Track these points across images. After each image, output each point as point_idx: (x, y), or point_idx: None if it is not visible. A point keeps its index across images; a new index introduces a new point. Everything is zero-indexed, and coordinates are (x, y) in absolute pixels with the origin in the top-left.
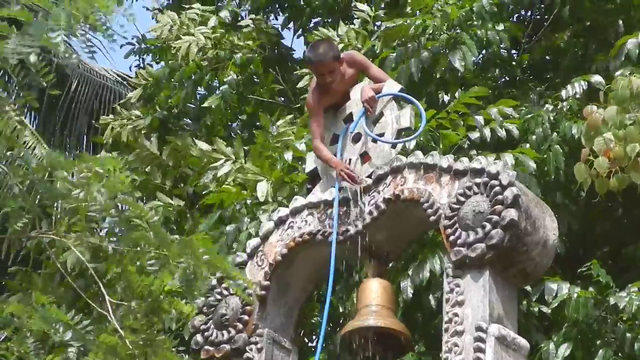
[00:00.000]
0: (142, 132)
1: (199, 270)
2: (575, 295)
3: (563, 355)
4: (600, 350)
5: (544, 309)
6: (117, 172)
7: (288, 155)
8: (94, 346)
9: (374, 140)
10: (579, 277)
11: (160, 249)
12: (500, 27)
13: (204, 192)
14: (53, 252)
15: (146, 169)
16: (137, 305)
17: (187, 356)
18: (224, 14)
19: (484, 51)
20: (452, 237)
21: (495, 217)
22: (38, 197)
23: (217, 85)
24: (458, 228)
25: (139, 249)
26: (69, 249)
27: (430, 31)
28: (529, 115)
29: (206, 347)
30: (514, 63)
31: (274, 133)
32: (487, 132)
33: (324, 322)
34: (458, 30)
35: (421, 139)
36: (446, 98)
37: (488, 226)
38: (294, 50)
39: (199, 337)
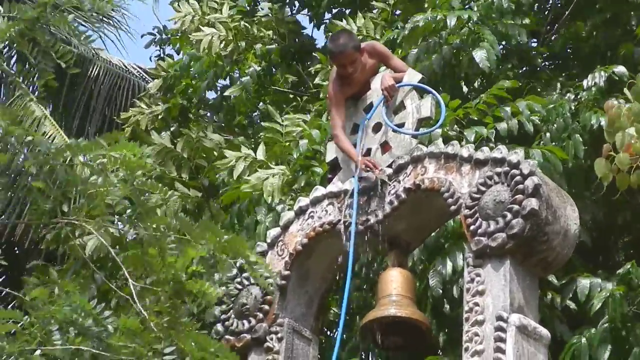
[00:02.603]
0: (160, 118)
1: (219, 254)
2: (609, 292)
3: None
4: (635, 349)
5: (569, 303)
6: (136, 157)
7: (302, 143)
8: (116, 331)
9: (395, 131)
10: (602, 267)
11: (181, 232)
12: (520, 21)
13: (221, 192)
14: (74, 238)
15: (162, 161)
16: (161, 288)
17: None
18: (242, 1)
19: (504, 42)
20: (472, 227)
21: (516, 207)
22: (57, 182)
23: (238, 75)
24: (479, 217)
25: (159, 234)
26: (90, 234)
27: (451, 25)
28: (551, 106)
29: (227, 336)
30: (534, 53)
31: (283, 126)
32: (514, 123)
33: (343, 311)
34: (478, 23)
35: (447, 128)
36: (465, 89)
37: (509, 216)
38: (315, 39)
39: (219, 327)
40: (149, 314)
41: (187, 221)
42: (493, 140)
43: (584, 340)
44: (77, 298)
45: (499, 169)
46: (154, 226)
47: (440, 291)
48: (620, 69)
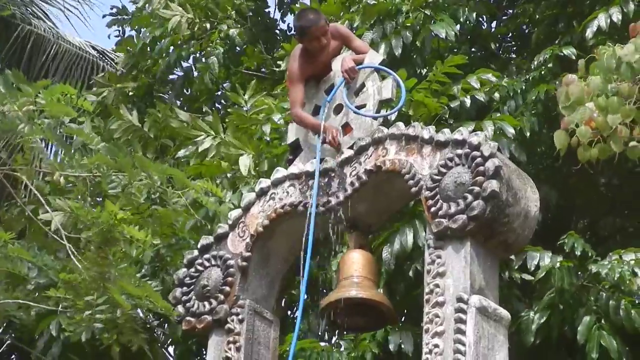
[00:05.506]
0: (129, 95)
1: (164, 186)
2: (558, 264)
3: (539, 323)
4: (585, 318)
5: (526, 277)
6: (74, 98)
7: (266, 128)
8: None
9: (355, 113)
10: (560, 249)
11: (121, 171)
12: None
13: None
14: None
15: (128, 139)
16: (89, 237)
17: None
18: None
19: (458, 26)
20: (433, 209)
21: (476, 188)
22: None
23: (202, 56)
24: (439, 199)
25: (99, 174)
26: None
27: (406, 9)
28: (504, 83)
29: (188, 318)
30: (491, 32)
31: (248, 108)
32: (467, 100)
33: (303, 292)
34: (430, 8)
35: (403, 110)
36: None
37: (469, 197)
38: (277, 20)
39: (180, 308)
40: (82, 264)
41: (124, 159)
42: (447, 117)
43: (532, 313)
44: (17, 250)
45: (459, 151)
46: (92, 163)
47: (393, 266)
48: (571, 50)
